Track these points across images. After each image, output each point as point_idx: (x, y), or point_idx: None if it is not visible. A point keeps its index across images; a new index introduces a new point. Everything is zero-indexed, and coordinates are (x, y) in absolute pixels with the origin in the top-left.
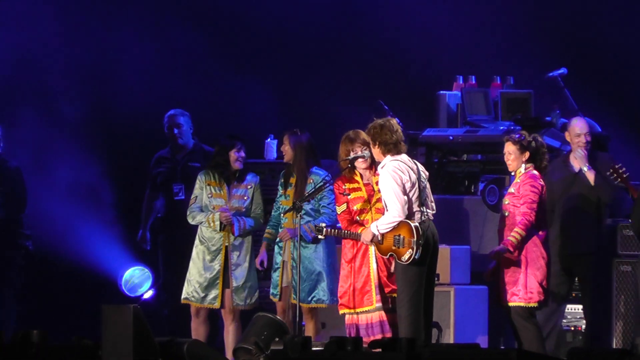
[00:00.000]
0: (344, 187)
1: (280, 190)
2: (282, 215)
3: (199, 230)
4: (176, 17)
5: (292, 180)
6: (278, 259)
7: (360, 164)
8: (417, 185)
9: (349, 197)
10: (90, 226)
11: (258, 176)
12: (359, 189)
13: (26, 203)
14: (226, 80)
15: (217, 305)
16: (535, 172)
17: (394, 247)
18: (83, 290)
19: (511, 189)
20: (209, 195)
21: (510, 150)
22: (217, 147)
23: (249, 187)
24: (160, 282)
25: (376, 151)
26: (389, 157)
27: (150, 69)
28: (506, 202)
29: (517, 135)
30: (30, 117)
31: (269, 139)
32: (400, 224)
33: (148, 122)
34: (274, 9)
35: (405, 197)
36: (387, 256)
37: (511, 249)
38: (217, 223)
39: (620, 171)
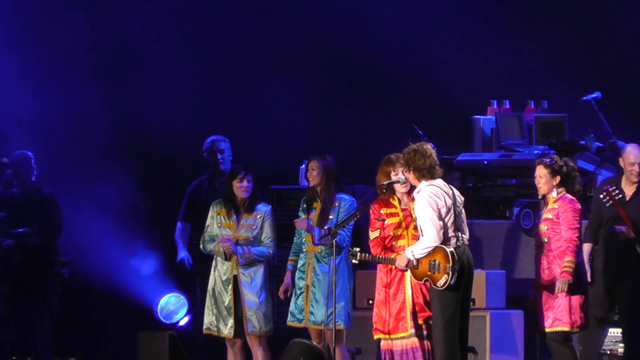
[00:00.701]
0: (380, 211)
1: (302, 215)
2: (304, 239)
3: (213, 260)
4: (212, 42)
5: (316, 205)
6: (301, 283)
7: (400, 188)
8: (452, 211)
9: (385, 222)
10: (126, 253)
11: (270, 206)
12: (396, 214)
13: (61, 230)
14: (262, 108)
15: (231, 334)
16: (570, 195)
17: (429, 273)
18: (119, 316)
19: (548, 215)
20: (219, 225)
21: (541, 173)
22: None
23: (258, 216)
24: (196, 309)
25: (411, 176)
26: (424, 182)
27: (187, 97)
28: (544, 228)
29: (548, 159)
30: (66, 144)
31: (303, 165)
32: (435, 249)
33: (186, 149)
34: (310, 35)
35: (441, 223)
36: (423, 281)
37: (572, 278)
38: (222, 252)
39: (613, 194)
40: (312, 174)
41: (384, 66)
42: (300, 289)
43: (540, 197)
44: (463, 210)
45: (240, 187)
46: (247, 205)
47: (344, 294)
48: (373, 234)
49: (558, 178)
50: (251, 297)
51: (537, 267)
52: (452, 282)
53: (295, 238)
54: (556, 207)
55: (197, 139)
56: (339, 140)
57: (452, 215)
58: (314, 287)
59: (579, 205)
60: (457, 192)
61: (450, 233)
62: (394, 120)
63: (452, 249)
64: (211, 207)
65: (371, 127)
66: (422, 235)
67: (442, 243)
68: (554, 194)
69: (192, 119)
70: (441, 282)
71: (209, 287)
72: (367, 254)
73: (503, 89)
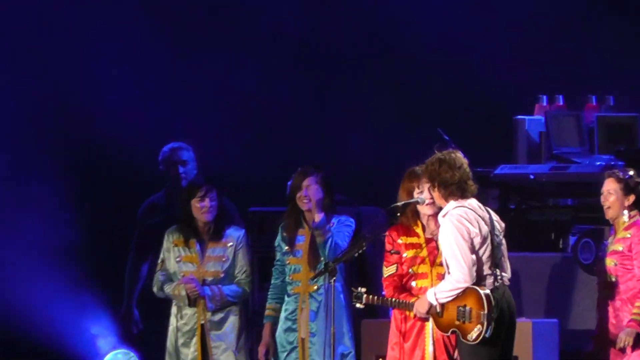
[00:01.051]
0: (398, 241)
1: (284, 247)
2: (289, 278)
3: (172, 306)
4: (164, 39)
5: (303, 232)
6: (291, 337)
7: (425, 210)
8: (489, 240)
9: (403, 255)
10: (62, 294)
11: (243, 230)
12: (417, 246)
13: None
14: (239, 107)
15: None
16: None
17: (457, 322)
18: None
19: (617, 246)
20: (178, 259)
21: (611, 189)
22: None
23: (228, 245)
24: None
25: (436, 195)
26: (452, 202)
27: (137, 97)
28: (612, 264)
29: (622, 172)
30: None
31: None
32: (466, 291)
33: (137, 163)
34: (322, 29)
35: (474, 256)
36: (449, 333)
37: None
38: (184, 296)
39: None
40: (310, 192)
41: (400, 53)
42: (290, 343)
43: (610, 220)
44: (504, 241)
45: (201, 208)
46: (213, 231)
47: (351, 341)
48: (387, 271)
49: (632, 197)
50: (223, 352)
51: (600, 314)
52: (487, 335)
53: (273, 279)
54: (628, 235)
55: (156, 147)
56: (340, 149)
57: (489, 247)
58: (312, 337)
59: None
60: (495, 217)
61: (486, 270)
62: (413, 124)
63: (488, 292)
64: (165, 237)
65: (383, 134)
66: (449, 273)
67: (474, 283)
68: (625, 217)
69: (150, 122)
70: (473, 334)
71: (168, 342)
72: (376, 297)
73: (556, 80)
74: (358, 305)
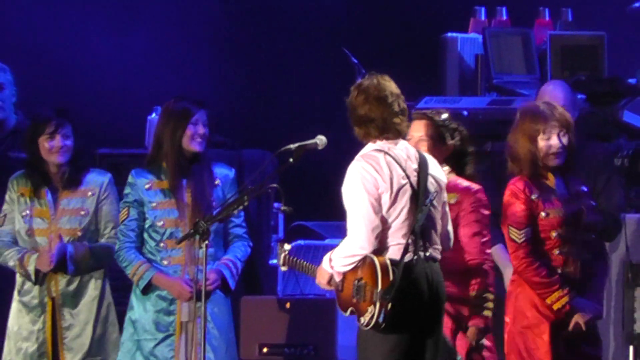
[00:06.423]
0: (532, 197)
1: (151, 203)
2: (161, 245)
3: (17, 281)
4: None
5: (170, 183)
6: (166, 320)
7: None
8: (407, 200)
9: (543, 215)
10: None
11: (108, 174)
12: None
13: None
14: (79, 24)
15: None
16: (464, 180)
17: (354, 299)
18: None
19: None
20: (25, 214)
21: (423, 135)
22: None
23: (88, 194)
24: None
25: (361, 133)
26: (370, 145)
27: None
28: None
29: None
30: None
31: (153, 115)
32: (365, 260)
33: None
34: None
35: (378, 218)
36: (347, 313)
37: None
38: (31, 270)
39: None
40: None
41: None
42: (164, 330)
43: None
44: (443, 201)
45: (51, 148)
46: (68, 176)
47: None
48: (520, 234)
49: (450, 145)
50: (76, 336)
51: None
52: (380, 321)
53: (122, 243)
54: (452, 202)
55: None
56: (209, 76)
57: (406, 210)
58: (212, 331)
59: (484, 197)
60: (435, 170)
61: (395, 238)
62: (318, 46)
63: (387, 261)
64: (9, 186)
65: (271, 57)
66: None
67: (375, 251)
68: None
69: None
70: (366, 317)
71: (12, 320)
72: (296, 260)
73: None
74: (282, 267)
